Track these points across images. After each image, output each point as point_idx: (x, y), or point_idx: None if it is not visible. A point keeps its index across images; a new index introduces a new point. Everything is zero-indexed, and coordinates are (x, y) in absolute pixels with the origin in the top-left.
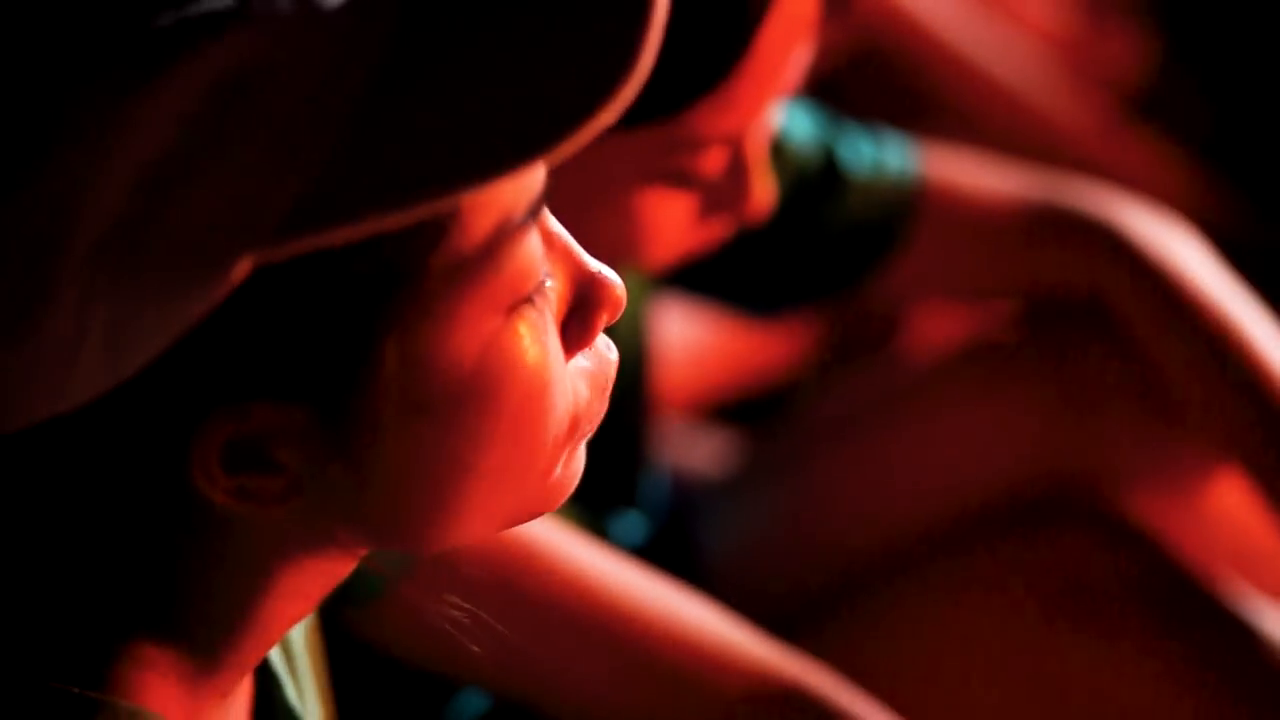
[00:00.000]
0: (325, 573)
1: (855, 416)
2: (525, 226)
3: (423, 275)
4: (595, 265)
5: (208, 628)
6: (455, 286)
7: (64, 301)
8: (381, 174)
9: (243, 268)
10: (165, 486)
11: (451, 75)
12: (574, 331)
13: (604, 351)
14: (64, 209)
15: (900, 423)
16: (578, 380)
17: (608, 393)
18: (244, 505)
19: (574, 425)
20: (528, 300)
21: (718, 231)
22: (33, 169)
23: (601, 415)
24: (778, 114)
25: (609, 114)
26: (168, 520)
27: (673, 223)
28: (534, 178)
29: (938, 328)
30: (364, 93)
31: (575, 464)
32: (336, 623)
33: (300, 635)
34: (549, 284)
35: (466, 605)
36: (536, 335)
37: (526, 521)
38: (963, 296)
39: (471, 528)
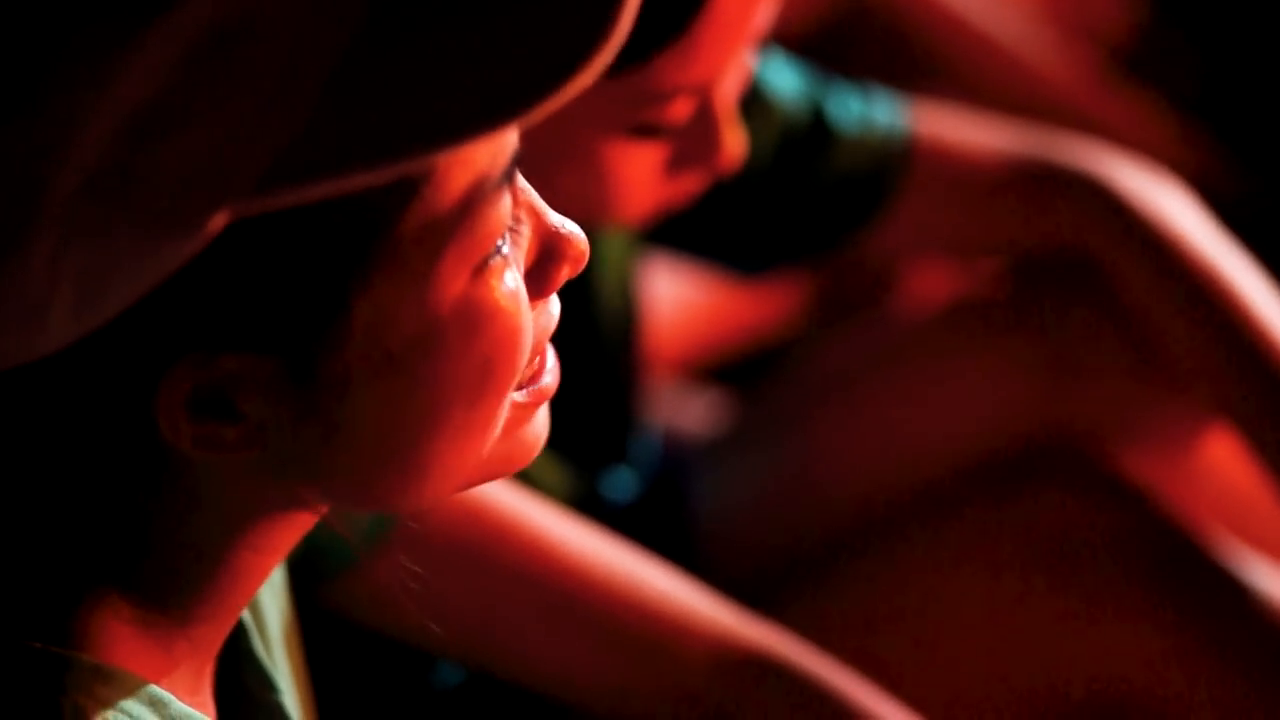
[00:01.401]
0: (292, 526)
1: (845, 375)
2: (500, 187)
3: (397, 231)
4: (558, 220)
5: (177, 582)
6: (429, 244)
7: (39, 248)
8: (361, 131)
9: (219, 221)
10: (133, 436)
11: (432, 35)
12: (535, 285)
13: (550, 304)
14: (47, 154)
15: (890, 381)
16: (537, 333)
17: (546, 340)
18: (208, 453)
19: (532, 377)
20: (498, 254)
21: (690, 185)
22: (20, 113)
23: (555, 370)
24: (747, 64)
25: (588, 75)
26: (136, 471)
27: (643, 176)
28: (509, 138)
29: (928, 285)
30: (346, 50)
31: (538, 424)
32: (310, 596)
33: (274, 608)
34: (515, 237)
35: (434, 576)
36: (507, 290)
37: (488, 481)
38: (952, 253)
39: (435, 486)
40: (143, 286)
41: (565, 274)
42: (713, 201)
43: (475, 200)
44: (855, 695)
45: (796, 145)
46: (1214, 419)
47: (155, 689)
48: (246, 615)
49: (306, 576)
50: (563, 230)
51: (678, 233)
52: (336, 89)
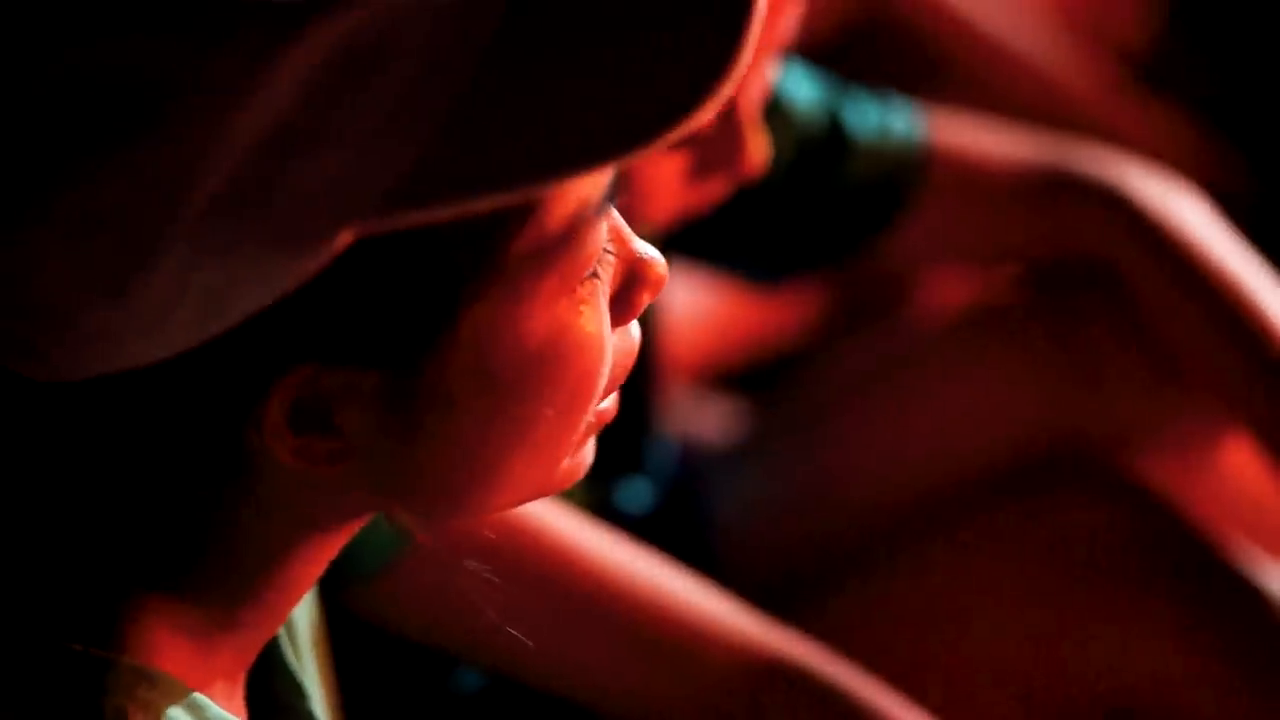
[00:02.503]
0: (342, 535)
1: (863, 382)
2: (600, 213)
3: (504, 253)
4: (641, 246)
5: (228, 588)
6: (533, 266)
7: (169, 262)
8: (483, 157)
9: (343, 240)
10: (218, 444)
11: (555, 65)
12: (619, 309)
13: (632, 332)
14: (185, 167)
15: (907, 388)
16: (614, 356)
17: (629, 370)
18: (299, 463)
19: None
20: (594, 277)
21: (714, 191)
22: (159, 131)
23: (615, 396)
24: (772, 71)
25: (707, 111)
26: (210, 478)
27: (667, 182)
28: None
29: (945, 293)
30: (471, 77)
31: (589, 448)
32: (335, 601)
33: (303, 615)
34: (607, 264)
35: (458, 582)
36: (597, 315)
37: (541, 498)
38: (969, 261)
39: (511, 498)
40: (263, 300)
41: (647, 300)
42: (730, 209)
43: (578, 226)
44: (876, 700)
45: (814, 154)
46: (1232, 426)
47: (199, 696)
48: (279, 628)
49: (333, 580)
50: (646, 256)
51: (695, 240)
52: (460, 113)
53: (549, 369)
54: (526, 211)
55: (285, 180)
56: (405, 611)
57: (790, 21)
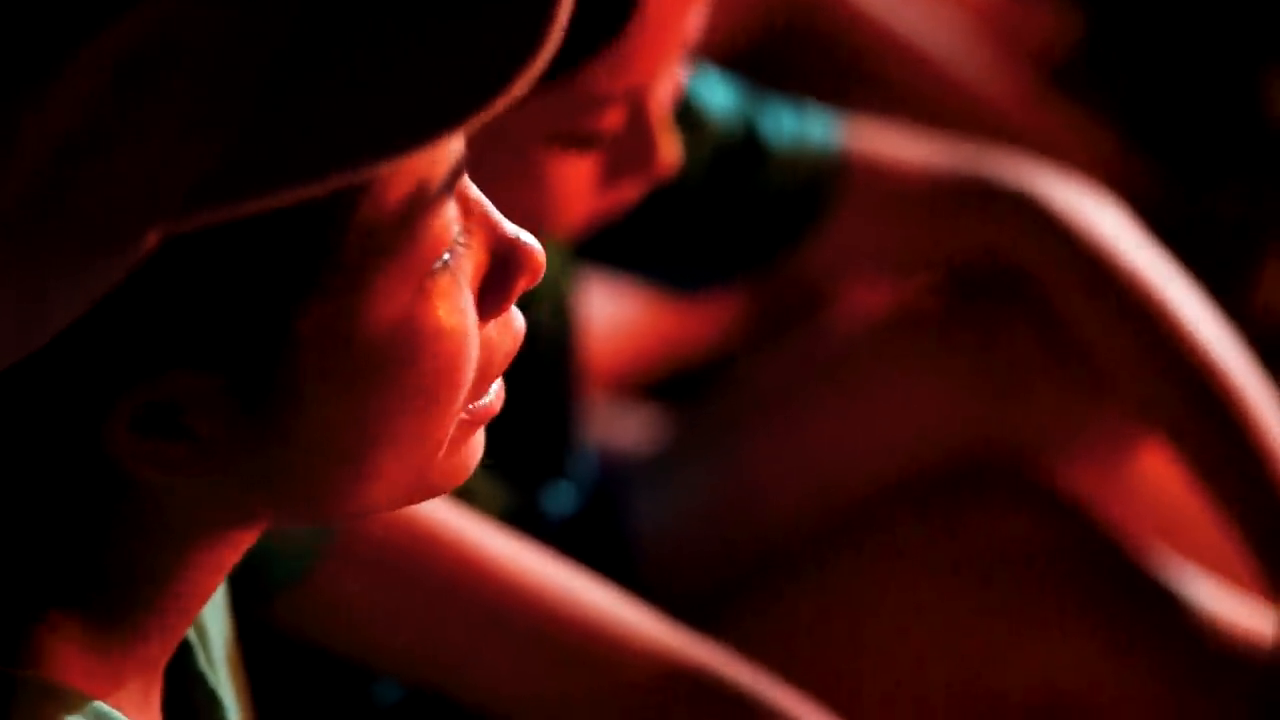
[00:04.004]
0: (237, 544)
1: (782, 390)
2: (441, 196)
3: (337, 246)
4: (514, 230)
5: (125, 600)
6: (369, 258)
7: None
8: (287, 149)
9: (149, 241)
10: (81, 454)
11: (361, 47)
12: (491, 297)
13: (513, 321)
14: None
15: (827, 396)
16: (488, 346)
17: (509, 361)
18: (157, 472)
19: (474, 391)
20: (444, 266)
21: (626, 194)
22: None
23: (500, 391)
24: (681, 71)
25: (520, 84)
26: (87, 491)
27: (578, 186)
28: (451, 147)
29: (865, 300)
30: (272, 66)
31: (475, 445)
32: (251, 613)
33: (217, 627)
34: (465, 249)
35: (369, 591)
36: (453, 303)
37: (430, 498)
38: (888, 269)
39: (378, 498)
40: (79, 308)
41: (522, 286)
42: (647, 219)
43: (415, 212)
44: (790, 711)
45: (729, 162)
46: (1148, 432)
47: (102, 706)
48: (191, 634)
49: (247, 593)
50: (519, 240)
51: (613, 250)
52: (263, 104)
53: (400, 364)
54: (353, 201)
55: (81, 187)
56: (320, 622)
57: (697, 20)
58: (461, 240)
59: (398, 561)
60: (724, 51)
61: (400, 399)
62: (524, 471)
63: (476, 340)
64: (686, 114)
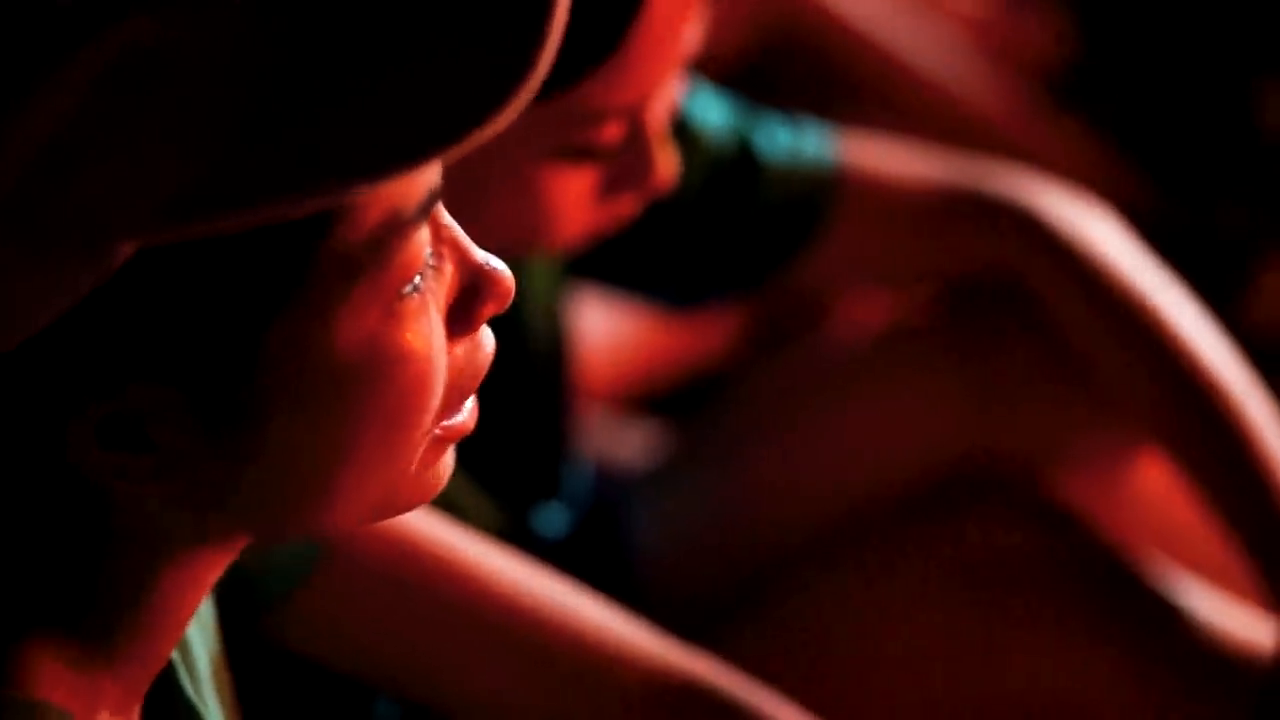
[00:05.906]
0: (214, 561)
1: (778, 404)
2: (415, 222)
3: (308, 266)
4: (483, 256)
5: (104, 619)
6: (340, 279)
7: None
8: (270, 166)
9: (123, 251)
10: (52, 469)
11: (350, 69)
12: (458, 323)
13: (483, 343)
14: None
15: (825, 409)
16: (456, 367)
17: (478, 381)
18: (123, 485)
19: (444, 410)
20: (414, 290)
21: (624, 208)
22: None
23: (472, 410)
24: (678, 87)
25: (509, 112)
26: (60, 507)
27: (576, 200)
28: (427, 173)
29: (860, 313)
30: (261, 83)
31: (446, 462)
32: (245, 630)
33: (203, 647)
34: (435, 272)
35: (363, 609)
36: (420, 326)
37: (396, 515)
38: (883, 282)
39: (343, 516)
40: (49, 314)
41: (489, 311)
42: (642, 235)
43: (388, 236)
44: None
45: (724, 178)
46: (1143, 442)
47: None
48: (175, 654)
49: (240, 610)
50: (487, 266)
51: (608, 266)
52: (249, 121)
53: (365, 384)
54: (327, 223)
55: (59, 192)
56: (313, 639)
57: (695, 35)
58: (432, 264)
59: (390, 577)
60: (719, 68)
61: (364, 420)
62: (516, 490)
63: (444, 363)
64: (682, 130)
